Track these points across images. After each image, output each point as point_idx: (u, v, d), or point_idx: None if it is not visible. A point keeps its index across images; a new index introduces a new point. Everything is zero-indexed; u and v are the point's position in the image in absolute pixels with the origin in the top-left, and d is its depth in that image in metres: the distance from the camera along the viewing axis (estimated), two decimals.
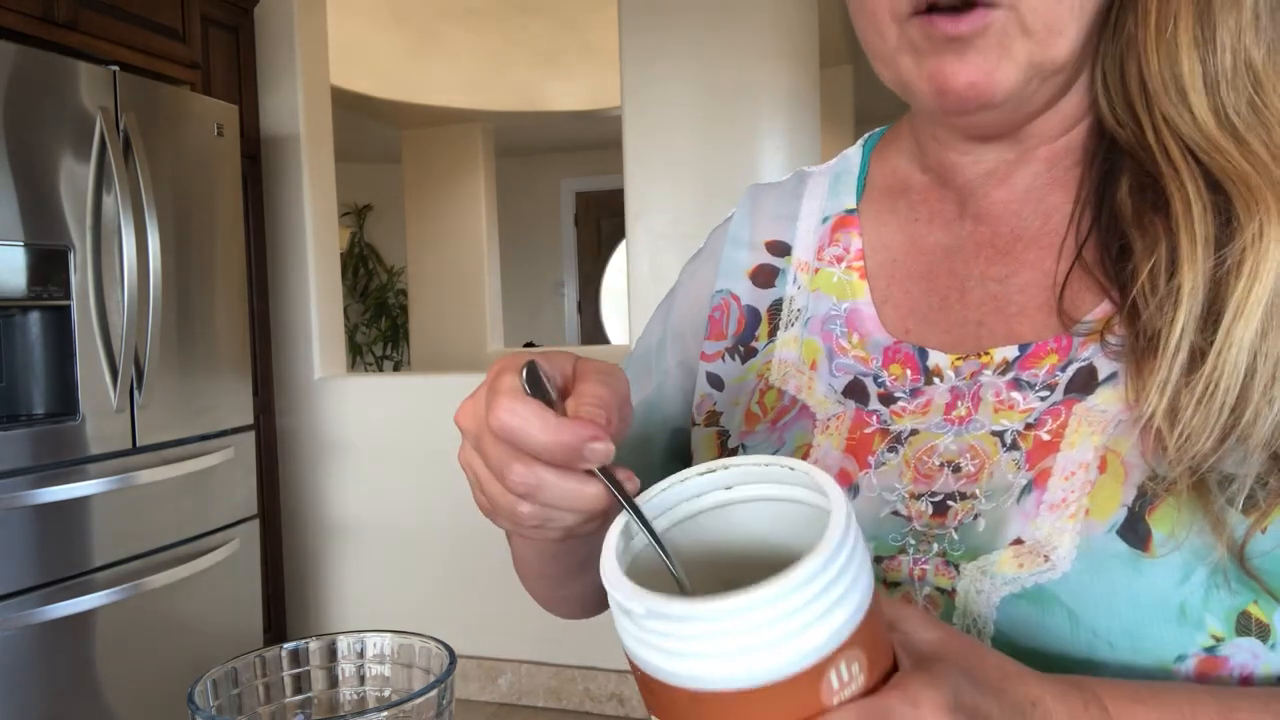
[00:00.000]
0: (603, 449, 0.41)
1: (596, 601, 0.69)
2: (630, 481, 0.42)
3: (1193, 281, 0.47)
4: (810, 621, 0.32)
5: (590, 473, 0.42)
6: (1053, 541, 0.48)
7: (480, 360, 5.60)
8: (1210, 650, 0.45)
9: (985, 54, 0.50)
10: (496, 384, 0.42)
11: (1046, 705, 0.39)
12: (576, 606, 0.71)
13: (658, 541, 0.40)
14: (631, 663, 0.36)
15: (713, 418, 0.65)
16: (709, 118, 2.86)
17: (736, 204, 0.72)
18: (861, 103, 5.05)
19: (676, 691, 0.34)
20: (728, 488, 0.42)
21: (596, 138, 6.44)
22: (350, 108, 4.93)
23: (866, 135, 0.70)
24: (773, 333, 0.64)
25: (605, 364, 0.46)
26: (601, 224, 7.59)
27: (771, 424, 0.61)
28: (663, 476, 0.42)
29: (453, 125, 5.59)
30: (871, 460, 0.55)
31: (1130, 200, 0.52)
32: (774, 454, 0.58)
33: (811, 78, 2.99)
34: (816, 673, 0.33)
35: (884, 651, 0.36)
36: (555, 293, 7.73)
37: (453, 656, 0.48)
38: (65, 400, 2.17)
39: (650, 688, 0.35)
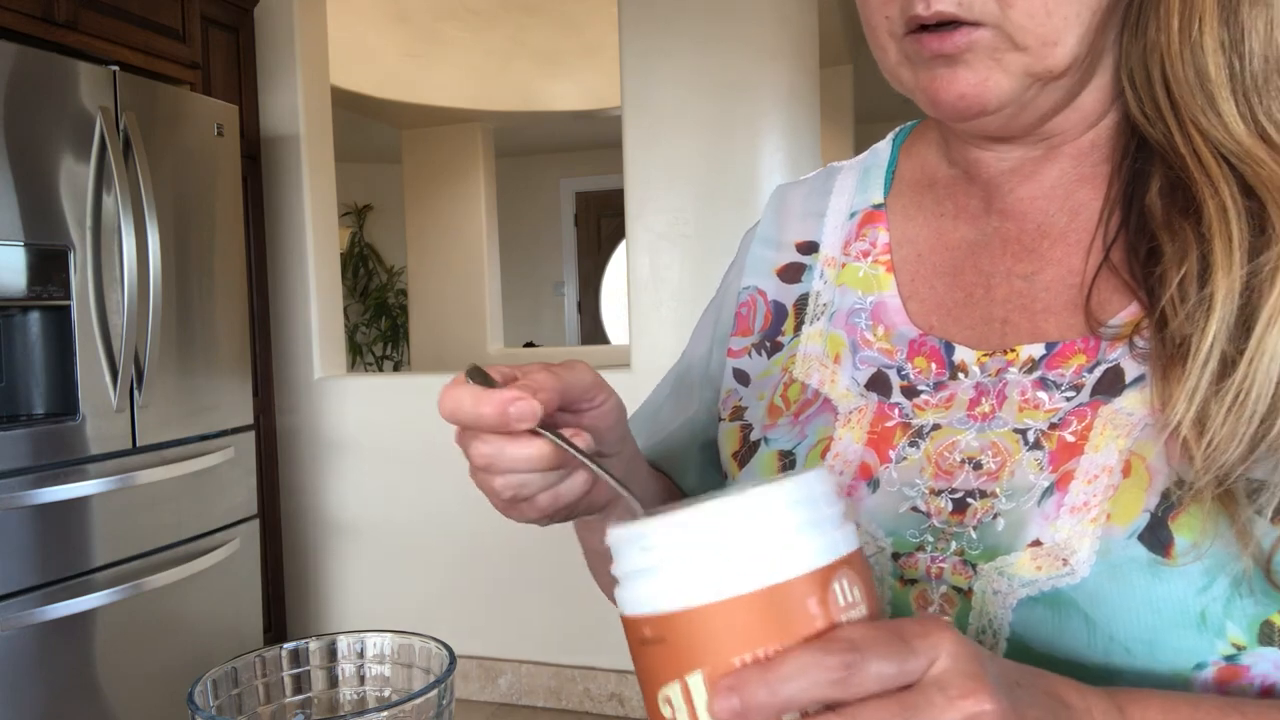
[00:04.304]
0: (527, 407, 0.45)
1: None
2: (579, 437, 0.47)
3: (1226, 288, 0.46)
4: (817, 521, 0.34)
5: (536, 434, 0.46)
6: (1072, 545, 0.47)
7: (480, 360, 5.57)
8: (1231, 659, 0.44)
9: (975, 67, 0.51)
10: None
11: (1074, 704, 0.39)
12: None
13: (617, 480, 0.46)
14: (643, 622, 0.35)
15: (738, 412, 0.66)
16: (709, 118, 2.86)
17: (764, 206, 0.73)
18: (861, 102, 5.06)
19: (694, 613, 0.33)
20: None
21: (596, 138, 6.44)
22: (350, 108, 4.93)
23: (898, 129, 0.69)
24: (798, 327, 0.64)
25: (572, 361, 0.51)
26: (601, 224, 7.59)
27: (794, 417, 0.61)
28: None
29: (453, 125, 5.59)
30: (892, 454, 0.55)
31: (1160, 202, 0.51)
32: (795, 447, 0.59)
33: (811, 77, 2.99)
34: (823, 578, 0.33)
35: (878, 606, 0.35)
36: (555, 293, 7.73)
37: (452, 656, 0.48)
38: (65, 400, 2.17)
39: (674, 624, 0.34)
